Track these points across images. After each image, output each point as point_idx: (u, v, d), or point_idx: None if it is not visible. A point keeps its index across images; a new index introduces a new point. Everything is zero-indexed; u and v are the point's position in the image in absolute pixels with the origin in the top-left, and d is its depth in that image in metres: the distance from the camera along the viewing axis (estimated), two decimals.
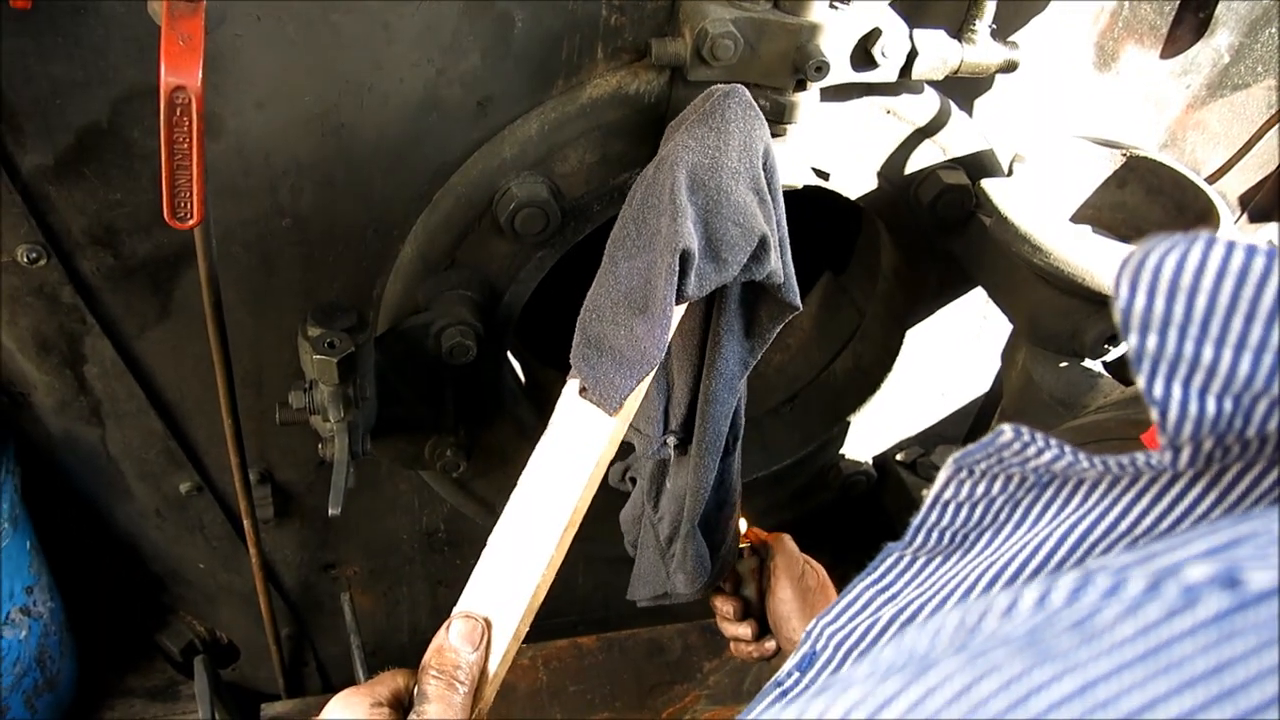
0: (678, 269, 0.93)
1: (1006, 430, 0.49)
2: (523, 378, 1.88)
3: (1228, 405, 0.40)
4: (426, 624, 2.03)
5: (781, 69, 1.20)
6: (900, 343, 1.69)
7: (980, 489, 0.54)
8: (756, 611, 1.35)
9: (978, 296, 1.62)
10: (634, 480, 1.40)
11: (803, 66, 1.18)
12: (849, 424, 1.82)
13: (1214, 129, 1.56)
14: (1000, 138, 1.45)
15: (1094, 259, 1.22)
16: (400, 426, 1.46)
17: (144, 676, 2.11)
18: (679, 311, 1.01)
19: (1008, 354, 1.51)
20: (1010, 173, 1.38)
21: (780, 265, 1.04)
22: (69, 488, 1.70)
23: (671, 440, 1.25)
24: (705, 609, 1.40)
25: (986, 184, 1.34)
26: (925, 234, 1.49)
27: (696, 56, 1.17)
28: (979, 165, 1.42)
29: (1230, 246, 0.38)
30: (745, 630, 1.33)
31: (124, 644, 2.12)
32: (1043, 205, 1.33)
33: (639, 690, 1.93)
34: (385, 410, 1.40)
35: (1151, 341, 0.40)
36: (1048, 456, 0.49)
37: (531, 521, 0.97)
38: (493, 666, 0.93)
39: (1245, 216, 1.70)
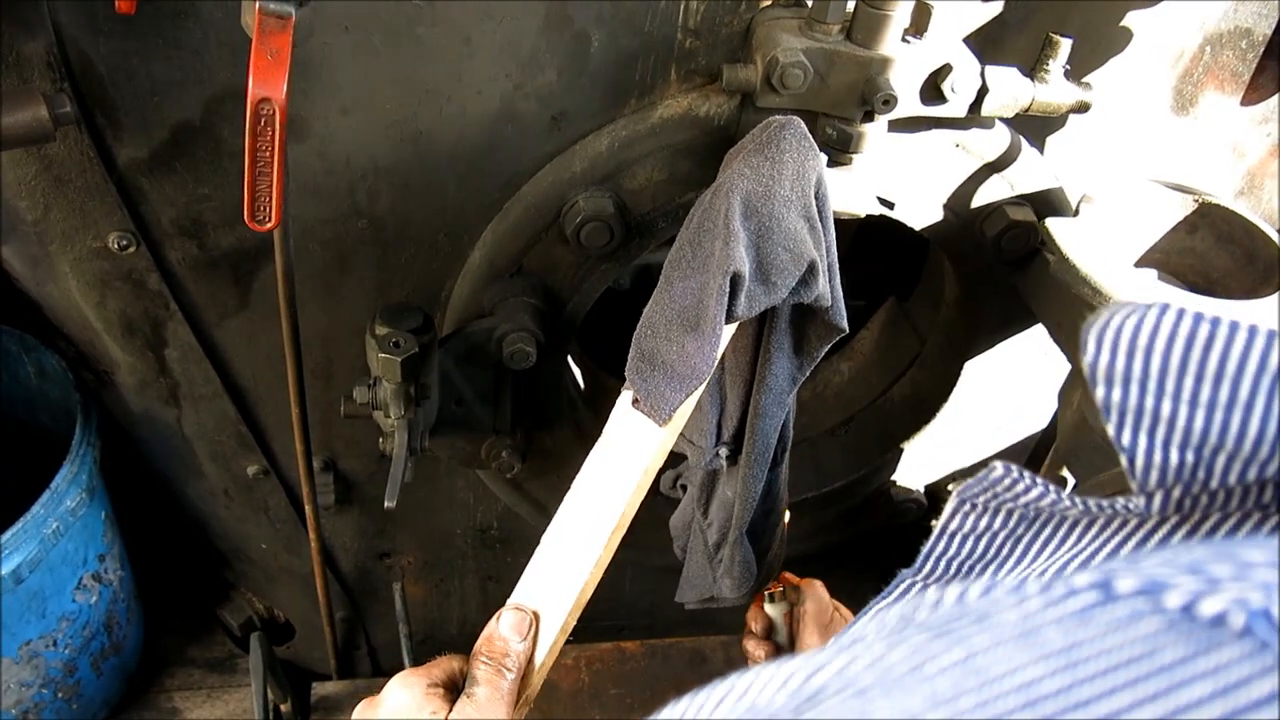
0: (728, 290, 0.98)
1: (998, 466, 0.54)
2: (583, 384, 1.91)
3: (1189, 457, 0.44)
4: (475, 618, 2.08)
5: (850, 100, 1.21)
6: (959, 373, 1.69)
7: (983, 522, 0.58)
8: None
9: (1040, 333, 1.61)
10: (684, 487, 1.44)
11: (870, 99, 1.19)
12: (903, 450, 1.82)
13: None
14: (1072, 176, 1.44)
15: None
16: (459, 426, 1.50)
17: (204, 648, 2.20)
18: (729, 330, 1.05)
19: (1065, 393, 1.50)
20: (1077, 213, 1.37)
21: (828, 289, 1.08)
22: (145, 464, 1.78)
23: (723, 451, 1.29)
24: None
25: (1051, 223, 1.34)
26: (989, 268, 1.49)
27: (766, 84, 1.19)
28: (1047, 203, 1.42)
29: (1180, 313, 0.43)
30: None
31: (187, 615, 2.21)
32: (1107, 247, 1.32)
33: (679, 697, 1.96)
34: (445, 409, 1.45)
35: (1116, 394, 0.44)
36: (1034, 494, 0.53)
37: (582, 523, 1.03)
38: (539, 657, 0.99)
39: None
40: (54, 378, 1.81)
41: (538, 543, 1.04)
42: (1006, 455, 1.83)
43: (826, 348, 1.18)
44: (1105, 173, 1.46)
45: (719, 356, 1.04)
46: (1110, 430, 0.45)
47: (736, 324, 1.07)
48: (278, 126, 0.91)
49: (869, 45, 1.19)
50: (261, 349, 1.51)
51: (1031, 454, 1.82)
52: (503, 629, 0.97)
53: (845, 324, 1.14)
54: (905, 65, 1.20)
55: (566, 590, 1.00)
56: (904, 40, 1.20)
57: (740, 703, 0.44)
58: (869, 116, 1.23)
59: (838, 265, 1.12)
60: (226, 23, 1.15)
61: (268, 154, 0.93)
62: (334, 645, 2.01)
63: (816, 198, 1.06)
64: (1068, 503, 0.53)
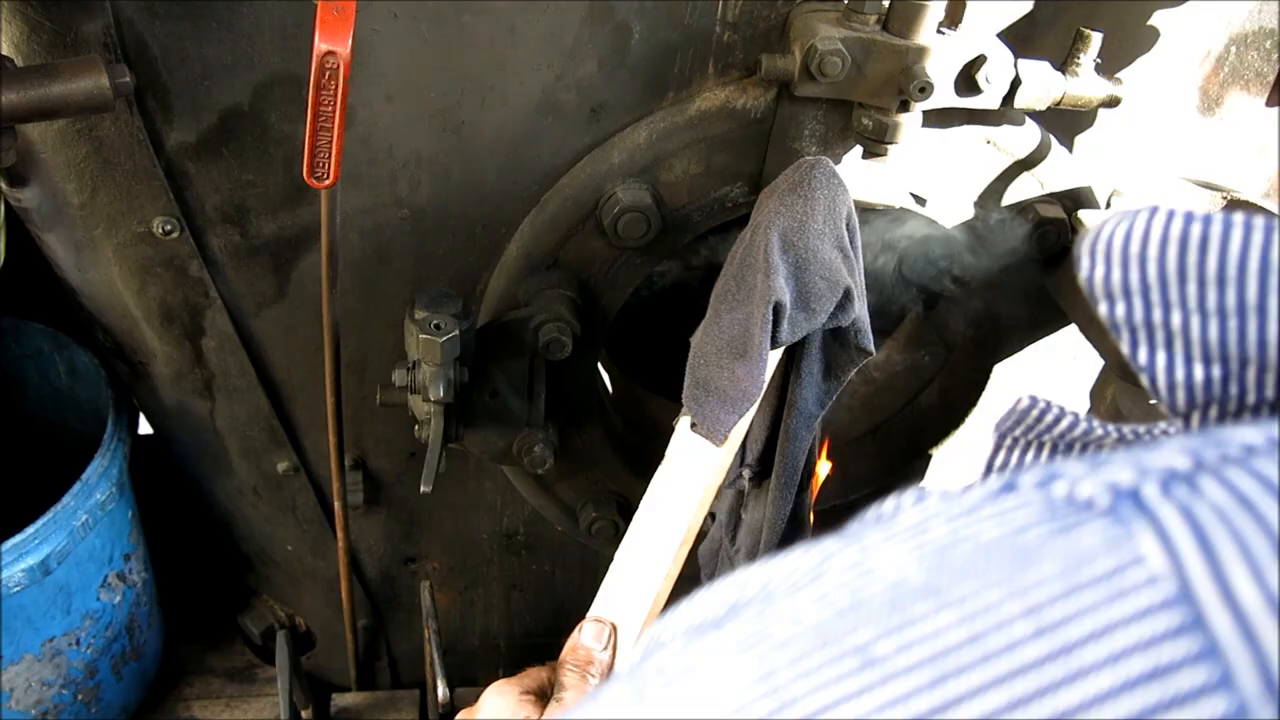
0: (771, 319, 1.08)
1: (1025, 398, 0.52)
2: (611, 390, 1.92)
3: (1215, 372, 0.39)
4: (497, 629, 2.06)
5: (887, 89, 1.24)
6: (987, 378, 1.70)
7: (1029, 458, 0.56)
8: None
9: (1067, 337, 1.62)
10: (713, 515, 1.47)
11: (907, 88, 1.21)
12: (930, 457, 1.82)
13: None
14: (1100, 175, 1.46)
15: None
16: (492, 419, 1.50)
17: (224, 657, 2.18)
18: (775, 355, 1.14)
19: (1097, 390, 1.51)
20: (1108, 208, 1.39)
21: (864, 313, 1.18)
22: (174, 461, 1.78)
23: (747, 473, 1.35)
24: None
25: (1084, 216, 1.35)
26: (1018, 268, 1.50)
27: (805, 72, 1.22)
28: (1076, 200, 1.43)
29: (1170, 214, 0.39)
30: None
31: (208, 624, 2.20)
32: None
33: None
34: (479, 402, 1.46)
35: (1120, 309, 0.41)
36: (1065, 423, 0.51)
37: (652, 538, 1.12)
38: (618, 665, 1.05)
39: None
40: (85, 376, 1.82)
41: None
42: None
43: (854, 371, 1.25)
44: (1131, 174, 1.48)
45: (767, 380, 1.12)
46: (1125, 349, 0.42)
47: (782, 349, 1.15)
48: (341, 80, 0.94)
49: (905, 35, 1.22)
50: (298, 341, 1.52)
51: None
52: (585, 639, 1.04)
53: (873, 348, 1.22)
54: (941, 55, 1.22)
55: (641, 601, 1.08)
56: (939, 31, 1.23)
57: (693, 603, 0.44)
58: (905, 106, 1.25)
59: (865, 293, 1.19)
60: (279, 7, 1.18)
61: (330, 109, 0.95)
62: (355, 654, 2.00)
63: (848, 229, 1.15)
64: (1100, 431, 0.50)
